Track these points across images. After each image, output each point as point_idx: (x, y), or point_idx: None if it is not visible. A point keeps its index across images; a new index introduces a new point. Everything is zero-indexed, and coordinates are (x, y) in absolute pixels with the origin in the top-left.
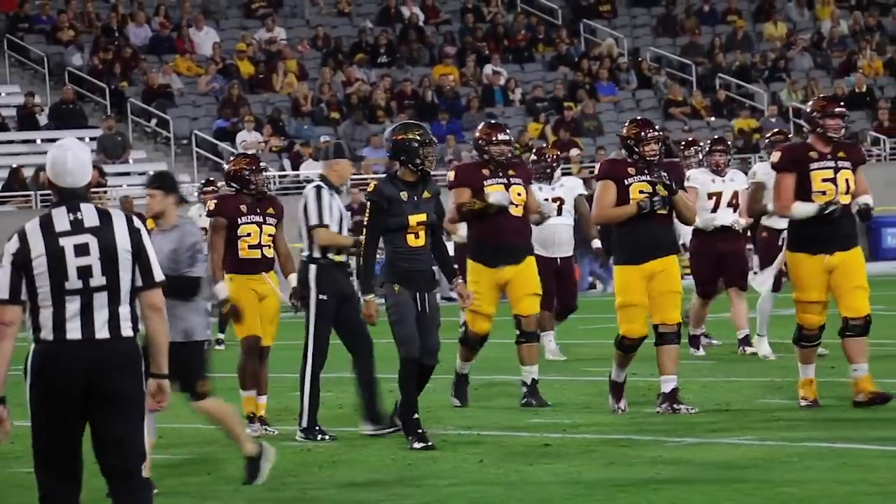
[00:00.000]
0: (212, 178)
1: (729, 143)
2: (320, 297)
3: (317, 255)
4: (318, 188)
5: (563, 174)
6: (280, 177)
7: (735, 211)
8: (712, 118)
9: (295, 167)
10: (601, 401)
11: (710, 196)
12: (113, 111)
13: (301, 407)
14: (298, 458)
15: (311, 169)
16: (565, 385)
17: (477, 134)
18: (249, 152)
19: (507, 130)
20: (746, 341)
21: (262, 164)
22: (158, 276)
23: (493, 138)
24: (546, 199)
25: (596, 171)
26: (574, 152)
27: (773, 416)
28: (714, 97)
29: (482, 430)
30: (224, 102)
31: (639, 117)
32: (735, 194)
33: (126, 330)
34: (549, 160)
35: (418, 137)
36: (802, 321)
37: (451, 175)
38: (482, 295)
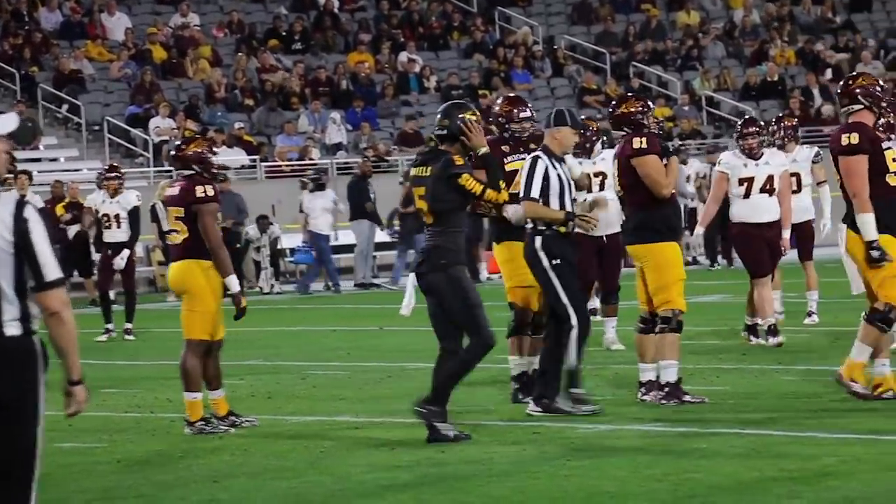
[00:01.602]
0: (115, 164)
1: (762, 124)
2: (553, 262)
3: (541, 226)
4: (535, 158)
5: (604, 147)
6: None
7: (770, 196)
8: None
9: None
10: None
11: (741, 182)
12: (23, 97)
13: (555, 378)
14: (210, 444)
15: (224, 156)
16: (477, 371)
17: (497, 109)
18: (198, 135)
19: (529, 105)
20: (753, 330)
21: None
22: (51, 274)
23: (515, 116)
24: (587, 174)
25: None
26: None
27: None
28: (628, 85)
29: (395, 418)
30: (137, 88)
31: (512, 94)
32: (770, 178)
33: (10, 329)
34: (588, 133)
35: (476, 119)
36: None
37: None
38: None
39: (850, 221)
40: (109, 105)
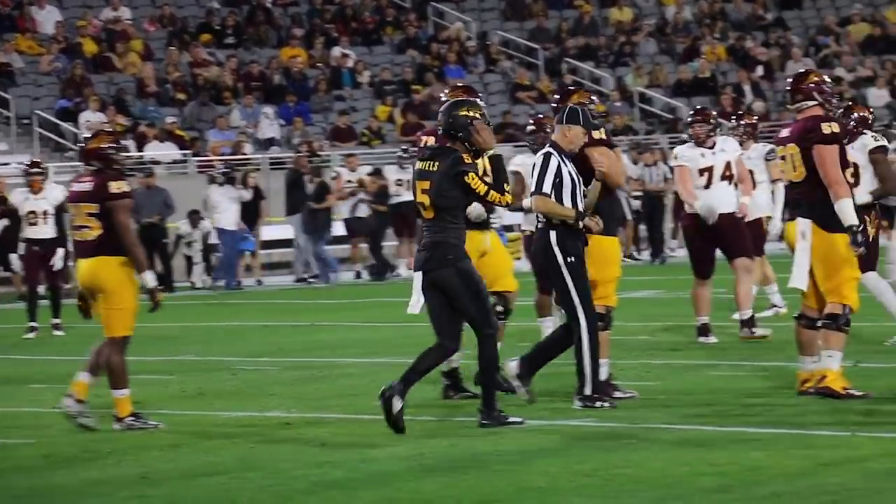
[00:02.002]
0: (37, 161)
1: (713, 112)
2: (568, 259)
3: (555, 221)
4: (548, 154)
5: None
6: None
7: (731, 183)
8: None
9: (140, 148)
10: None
11: (701, 172)
12: None
13: (583, 374)
14: (139, 441)
15: (156, 150)
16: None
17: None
18: (108, 129)
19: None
20: (751, 322)
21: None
22: None
23: None
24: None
25: None
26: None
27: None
28: (561, 81)
29: (326, 413)
30: (67, 82)
31: (459, 83)
32: (728, 165)
33: None
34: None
35: (479, 115)
36: (853, 301)
37: None
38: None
39: (817, 215)
40: (39, 99)
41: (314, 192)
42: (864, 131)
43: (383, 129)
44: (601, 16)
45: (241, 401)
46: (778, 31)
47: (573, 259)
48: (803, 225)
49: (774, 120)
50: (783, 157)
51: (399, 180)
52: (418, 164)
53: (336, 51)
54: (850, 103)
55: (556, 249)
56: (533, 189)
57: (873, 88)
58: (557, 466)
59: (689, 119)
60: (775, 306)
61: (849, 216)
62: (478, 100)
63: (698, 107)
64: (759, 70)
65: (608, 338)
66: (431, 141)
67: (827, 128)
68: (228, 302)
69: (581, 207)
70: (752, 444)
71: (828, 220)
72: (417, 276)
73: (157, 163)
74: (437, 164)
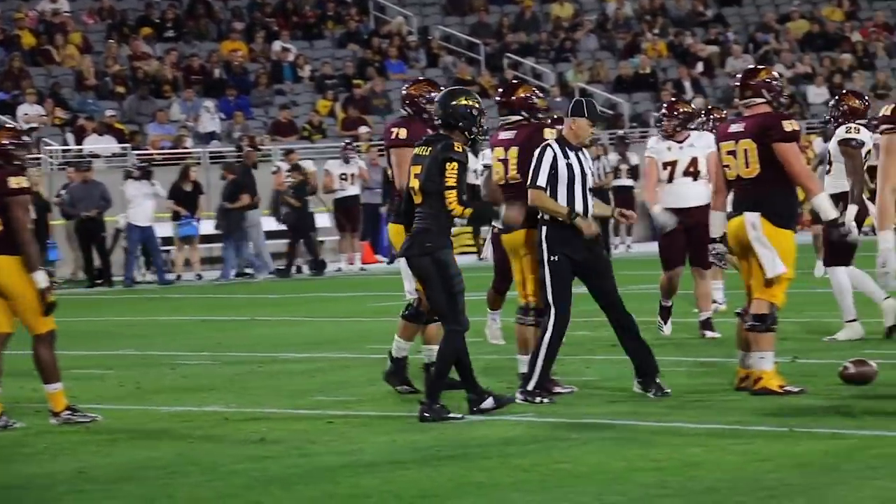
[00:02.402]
0: None
1: (686, 108)
2: (552, 258)
3: (547, 216)
4: (545, 146)
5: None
6: (63, 151)
7: (695, 180)
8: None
9: (79, 141)
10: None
11: (665, 166)
12: None
13: (533, 369)
14: (76, 436)
15: (94, 143)
16: (350, 363)
17: (414, 90)
18: (9, 125)
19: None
20: (708, 325)
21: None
22: None
23: (432, 98)
24: None
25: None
26: (363, 130)
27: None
28: (502, 76)
29: (265, 408)
30: (4, 75)
31: (420, 77)
32: (694, 161)
33: None
34: None
35: (477, 105)
36: (781, 300)
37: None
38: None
39: (768, 211)
40: None
41: (227, 191)
42: (848, 122)
43: (324, 123)
44: (542, 11)
45: (180, 396)
46: (718, 28)
47: (556, 258)
48: (752, 217)
49: (716, 118)
50: (731, 153)
51: (343, 174)
52: (415, 150)
53: (277, 45)
54: (843, 92)
55: (544, 245)
56: (529, 182)
57: (812, 86)
58: (497, 461)
59: (661, 111)
60: (716, 302)
61: (828, 211)
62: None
63: (671, 99)
64: (700, 66)
65: (535, 332)
66: (403, 132)
67: (788, 125)
68: (168, 297)
69: (581, 203)
70: (690, 440)
71: (778, 216)
72: (403, 262)
73: (96, 156)
74: (430, 149)
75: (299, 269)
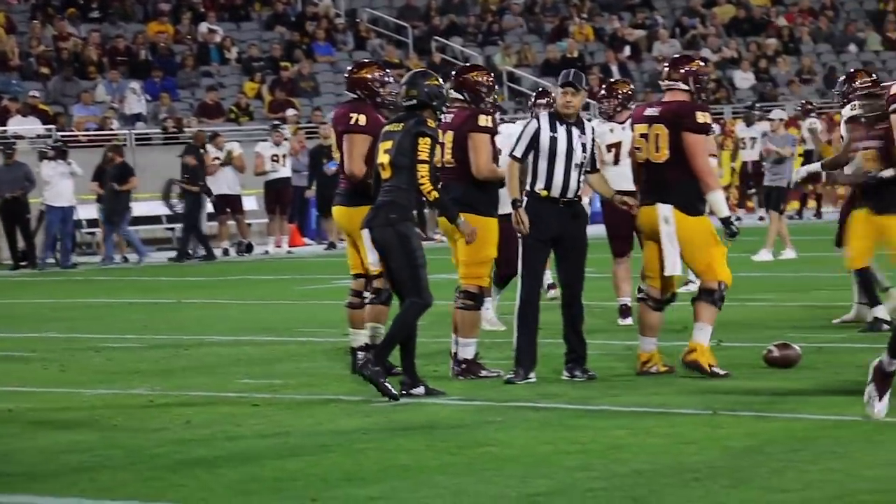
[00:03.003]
0: None
1: (626, 86)
2: (525, 237)
3: (526, 190)
4: (534, 118)
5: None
6: None
7: None
8: None
9: (2, 123)
10: (312, 360)
11: (609, 148)
12: None
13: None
14: None
15: (19, 125)
16: (276, 346)
17: (369, 74)
18: None
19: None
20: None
21: None
22: None
23: (386, 81)
24: None
25: None
26: (290, 112)
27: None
28: (430, 60)
29: (191, 392)
30: None
31: (366, 60)
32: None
33: None
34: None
35: (444, 84)
36: (727, 277)
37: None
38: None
39: (679, 199)
40: None
41: (115, 173)
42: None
43: (251, 105)
44: None
45: (106, 377)
46: (645, 12)
47: (528, 238)
48: (665, 210)
49: (641, 100)
50: (643, 136)
51: (275, 156)
52: (386, 127)
53: (203, 27)
54: (853, 71)
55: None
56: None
57: (738, 71)
58: (423, 444)
59: (601, 93)
60: (691, 282)
61: (721, 209)
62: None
63: (611, 80)
64: (627, 50)
65: (478, 318)
66: (363, 119)
67: (701, 117)
68: (95, 279)
69: (561, 179)
70: (615, 423)
71: (690, 204)
72: (366, 234)
73: (20, 137)
74: (402, 125)
75: (226, 252)
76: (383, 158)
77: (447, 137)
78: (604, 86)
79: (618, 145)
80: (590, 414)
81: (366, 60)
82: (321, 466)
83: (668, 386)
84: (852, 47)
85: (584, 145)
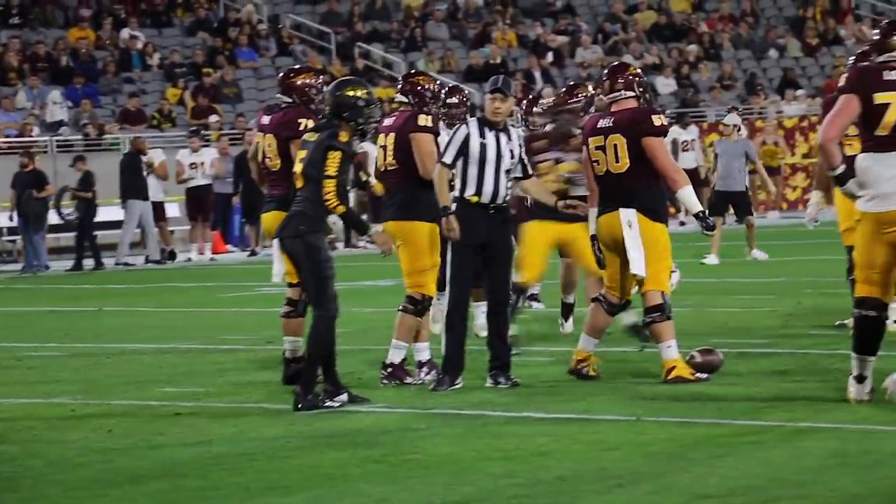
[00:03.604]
0: None
1: (585, 89)
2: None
3: (457, 194)
4: (461, 124)
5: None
6: None
7: None
8: None
9: None
10: (236, 368)
11: None
12: None
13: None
14: None
15: None
16: (198, 354)
17: (309, 81)
18: None
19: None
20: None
21: None
22: None
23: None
24: None
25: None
26: (213, 119)
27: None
28: (353, 66)
29: (113, 400)
30: None
31: (297, 66)
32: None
33: None
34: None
35: (365, 96)
36: (668, 288)
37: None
38: None
39: (642, 205)
40: None
41: (31, 180)
42: None
43: (174, 112)
44: (393, 1)
45: (26, 387)
46: (567, 19)
47: (458, 244)
48: (629, 215)
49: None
50: (599, 148)
51: (193, 164)
52: (304, 136)
53: (125, 33)
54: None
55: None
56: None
57: (660, 77)
58: (346, 452)
59: (556, 98)
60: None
61: (693, 204)
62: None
63: (570, 82)
64: (550, 56)
65: (415, 322)
66: (311, 124)
67: (657, 120)
68: (14, 287)
69: (491, 185)
70: (538, 430)
71: (652, 210)
72: (276, 244)
73: None
74: (318, 135)
75: (147, 260)
76: (297, 168)
77: (389, 140)
78: (563, 89)
79: None
80: (514, 421)
81: (301, 66)
82: (245, 475)
83: (592, 393)
84: (773, 53)
85: (511, 151)
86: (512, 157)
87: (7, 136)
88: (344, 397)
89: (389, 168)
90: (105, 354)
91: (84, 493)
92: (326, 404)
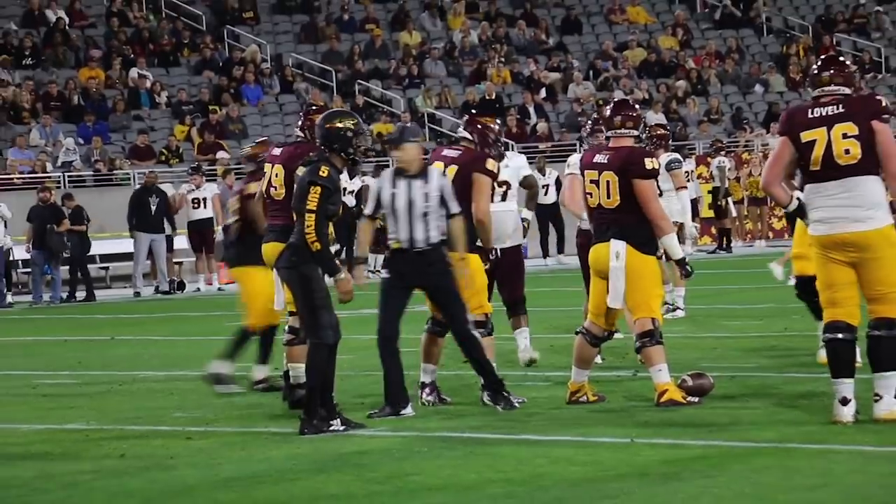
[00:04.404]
0: None
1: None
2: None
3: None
4: (380, 177)
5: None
6: None
7: None
8: None
9: None
10: (243, 394)
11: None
12: None
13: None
14: None
15: None
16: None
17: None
18: None
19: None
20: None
21: None
22: None
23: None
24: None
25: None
26: (220, 155)
27: None
28: (354, 102)
29: (125, 426)
30: None
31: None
32: None
33: None
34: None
35: (352, 126)
36: (659, 315)
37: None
38: None
39: (632, 239)
40: None
41: (50, 214)
42: None
43: (181, 148)
44: (392, 39)
45: (41, 413)
46: (560, 56)
47: (385, 279)
48: (618, 245)
49: (557, 141)
50: (594, 182)
51: (196, 199)
52: (299, 171)
53: (134, 72)
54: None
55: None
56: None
57: (650, 111)
58: (352, 475)
59: (592, 129)
60: (679, 308)
61: (676, 251)
62: (350, 111)
63: (595, 115)
64: (543, 92)
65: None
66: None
67: (649, 163)
68: (29, 317)
69: (406, 233)
70: (536, 452)
71: (643, 244)
72: (275, 273)
73: None
74: (304, 171)
75: (156, 290)
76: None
77: (277, 169)
78: (594, 121)
79: None
80: (513, 443)
81: (323, 107)
82: (252, 497)
83: (587, 416)
84: (758, 88)
85: (427, 195)
86: (427, 200)
87: (21, 173)
88: (336, 423)
89: (275, 198)
90: (118, 382)
91: None
92: (331, 429)
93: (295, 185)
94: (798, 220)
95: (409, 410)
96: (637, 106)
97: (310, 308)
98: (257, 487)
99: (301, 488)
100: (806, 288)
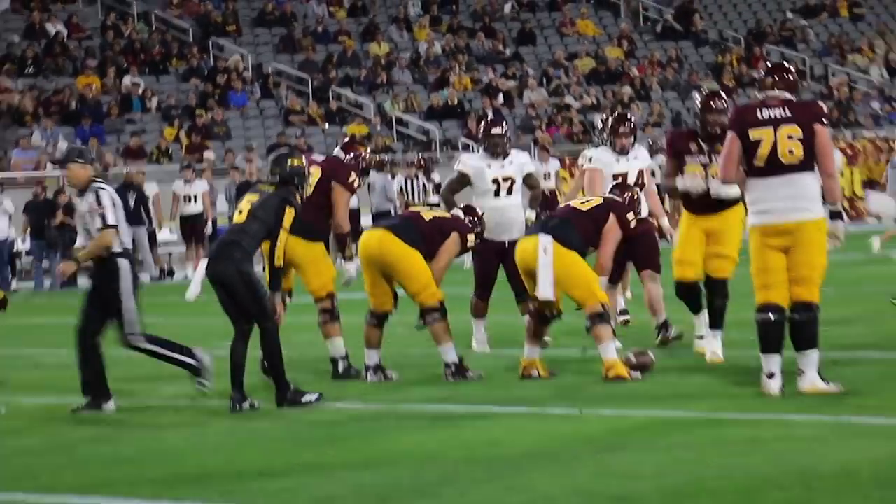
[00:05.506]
0: None
1: (632, 118)
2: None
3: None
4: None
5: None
6: None
7: (642, 191)
8: (327, 125)
9: None
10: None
11: (615, 177)
12: None
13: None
14: None
15: None
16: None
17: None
18: None
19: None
20: (666, 326)
21: None
22: None
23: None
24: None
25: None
26: (209, 154)
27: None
28: (328, 107)
29: (120, 399)
30: None
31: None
32: (640, 173)
33: None
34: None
35: (303, 165)
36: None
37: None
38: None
39: (558, 234)
40: None
41: (44, 207)
42: None
43: (170, 148)
44: (363, 50)
45: (43, 388)
46: (515, 65)
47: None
48: (545, 240)
49: (514, 143)
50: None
51: (187, 195)
52: (260, 186)
53: (127, 79)
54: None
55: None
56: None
57: (598, 115)
58: (325, 443)
59: (613, 126)
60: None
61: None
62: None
63: (619, 113)
64: (501, 98)
65: (444, 325)
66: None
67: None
68: (32, 302)
69: (119, 244)
70: (494, 421)
71: (566, 239)
72: (201, 267)
73: None
74: (275, 188)
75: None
76: (245, 206)
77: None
78: (618, 117)
79: (624, 176)
80: (473, 414)
81: (362, 140)
82: (237, 463)
83: (540, 389)
84: (695, 94)
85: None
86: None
87: (24, 170)
88: (247, 404)
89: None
90: (112, 360)
91: (94, 479)
92: (304, 400)
93: (253, 195)
94: (682, 230)
95: (110, 405)
96: (792, 69)
97: (257, 298)
98: (241, 454)
99: (279, 456)
100: (685, 291)
